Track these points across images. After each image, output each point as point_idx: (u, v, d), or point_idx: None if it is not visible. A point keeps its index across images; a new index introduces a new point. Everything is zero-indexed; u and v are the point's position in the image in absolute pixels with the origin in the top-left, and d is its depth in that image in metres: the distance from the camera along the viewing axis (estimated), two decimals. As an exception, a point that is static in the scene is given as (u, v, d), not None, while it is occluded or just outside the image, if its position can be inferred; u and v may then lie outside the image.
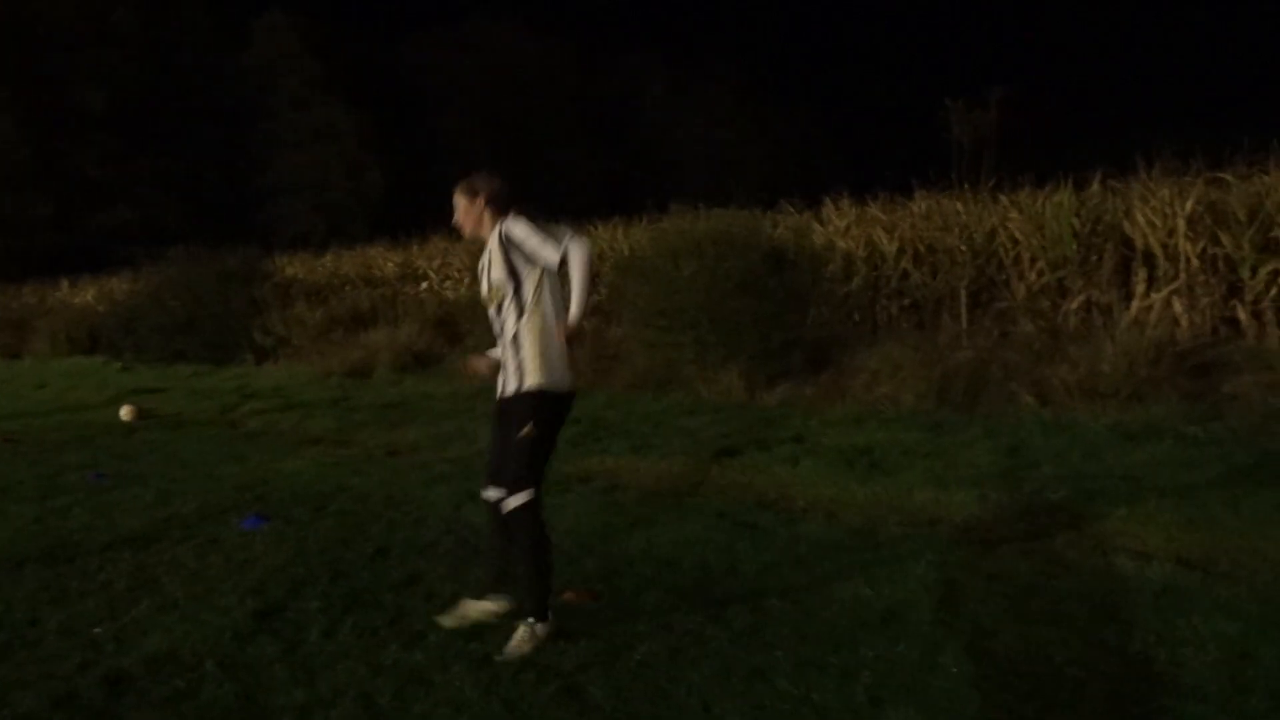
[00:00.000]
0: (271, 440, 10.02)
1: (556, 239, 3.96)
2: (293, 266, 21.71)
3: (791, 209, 13.82)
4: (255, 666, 3.96)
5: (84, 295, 28.13)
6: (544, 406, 4.09)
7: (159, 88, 45.85)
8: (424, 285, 19.41)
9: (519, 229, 4.03)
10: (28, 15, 42.60)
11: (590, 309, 4.01)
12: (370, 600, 4.70)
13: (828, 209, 13.80)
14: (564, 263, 3.97)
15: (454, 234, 18.77)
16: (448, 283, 18.76)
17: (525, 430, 4.05)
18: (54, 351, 22.33)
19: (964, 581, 4.56)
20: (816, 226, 13.19)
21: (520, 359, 4.08)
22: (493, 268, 4.13)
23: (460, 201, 4.21)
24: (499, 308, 4.15)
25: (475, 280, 18.26)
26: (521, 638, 3.95)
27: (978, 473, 6.57)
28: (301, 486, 7.49)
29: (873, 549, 5.18)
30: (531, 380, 4.06)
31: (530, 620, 3.99)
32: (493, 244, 4.12)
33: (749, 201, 12.84)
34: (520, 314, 4.07)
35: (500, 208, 4.17)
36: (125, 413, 12.05)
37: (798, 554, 5.13)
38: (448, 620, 4.25)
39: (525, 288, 4.07)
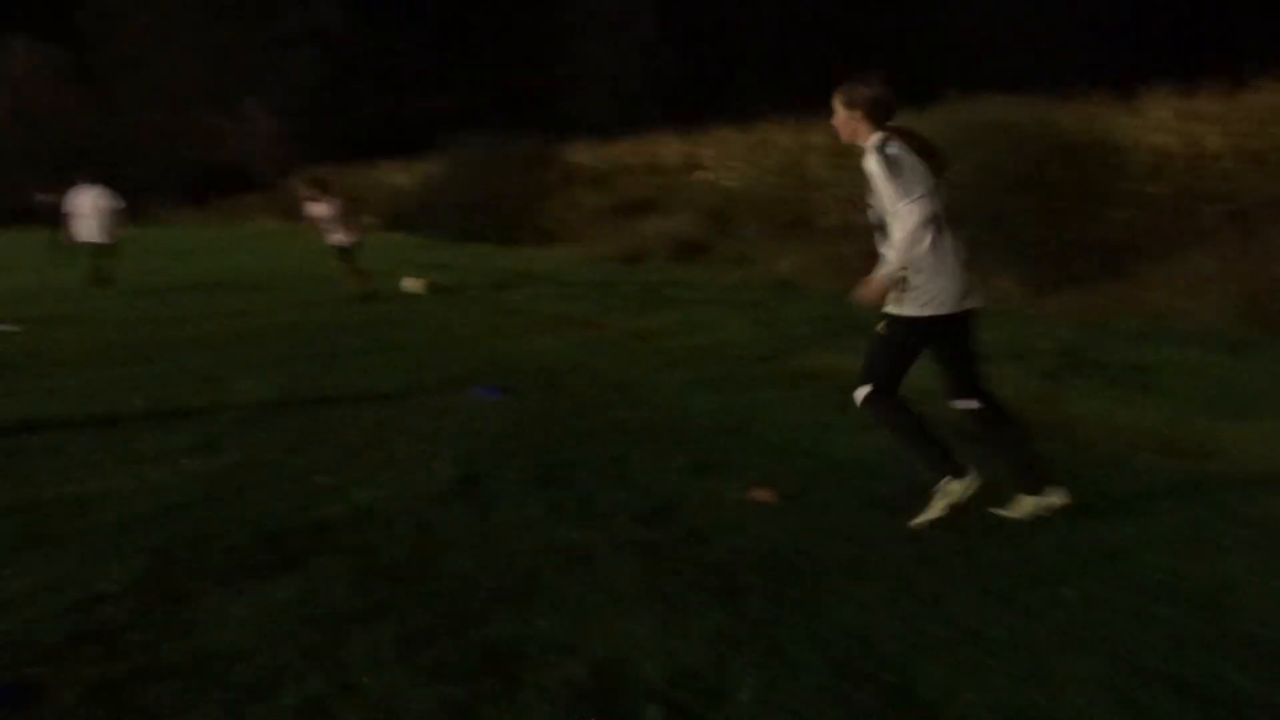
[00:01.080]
0: (530, 318, 10.36)
1: (899, 192, 3.63)
2: (580, 153, 22.26)
3: (1097, 99, 12.35)
4: (441, 529, 4.06)
5: (398, 177, 30.35)
6: (899, 327, 3.89)
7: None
8: (702, 174, 19.30)
9: (872, 163, 3.72)
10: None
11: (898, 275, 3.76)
12: (565, 477, 4.70)
13: (1146, 99, 12.26)
14: None
15: (738, 122, 18.44)
16: (724, 174, 18.53)
17: (879, 328, 3.93)
18: (370, 227, 24.33)
19: (1218, 527, 3.90)
20: (1127, 119, 11.75)
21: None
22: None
23: (836, 108, 3.94)
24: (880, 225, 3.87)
25: (753, 171, 18.19)
26: (935, 501, 3.89)
27: (1272, 404, 5.62)
28: (542, 363, 7.67)
29: (1118, 478, 4.56)
30: (892, 307, 3.87)
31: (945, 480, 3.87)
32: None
33: (1055, 88, 11.57)
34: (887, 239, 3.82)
35: (875, 120, 3.85)
36: (410, 284, 12.92)
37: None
38: (1007, 511, 3.99)
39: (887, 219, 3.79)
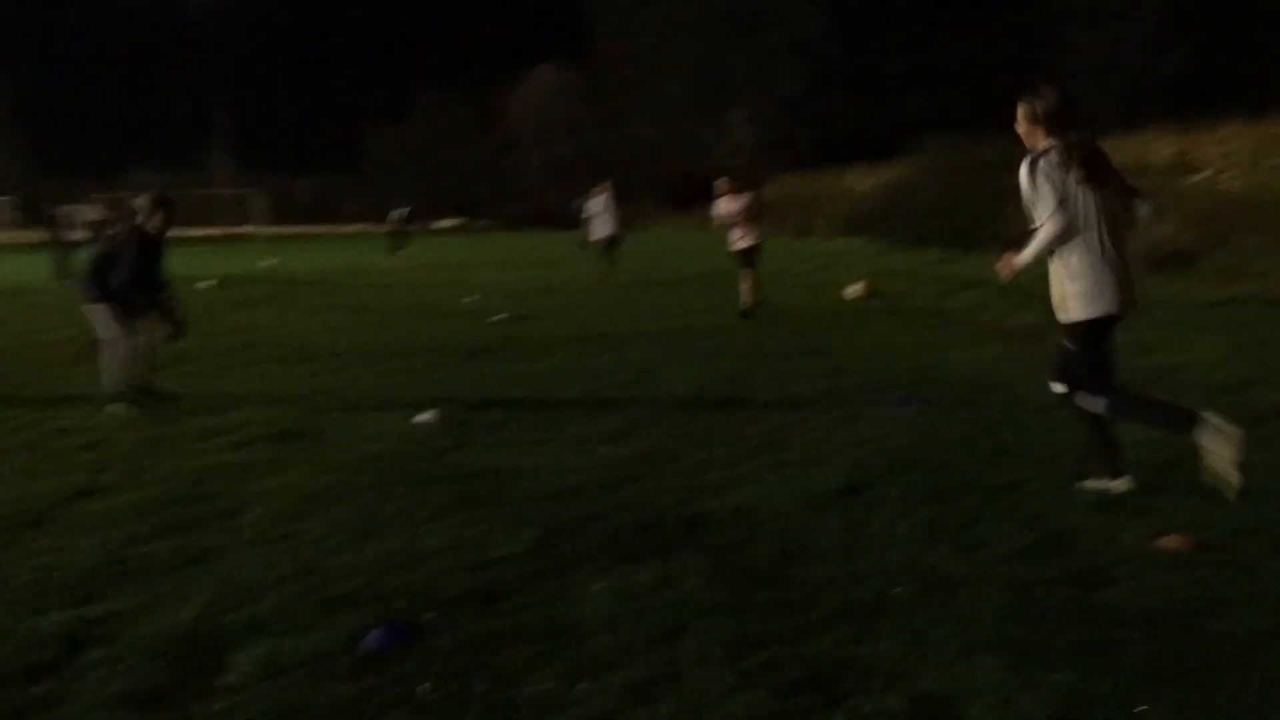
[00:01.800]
0: (966, 329, 9.89)
1: (1042, 205, 4.18)
2: (1054, 155, 20.78)
3: None
4: (807, 537, 4.03)
5: (867, 182, 30.40)
6: (1074, 334, 4.41)
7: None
8: (1199, 175, 17.16)
9: (1022, 175, 4.24)
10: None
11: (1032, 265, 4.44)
12: (951, 498, 4.44)
13: None
14: None
15: (1248, 116, 16.24)
16: (1224, 175, 16.31)
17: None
18: (829, 233, 24.70)
19: None
20: None
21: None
22: None
23: (1019, 114, 4.40)
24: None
25: (1262, 172, 15.79)
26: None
27: None
28: (965, 376, 7.31)
29: None
30: (1061, 315, 4.40)
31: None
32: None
33: None
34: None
35: (1048, 127, 4.26)
36: (856, 289, 12.91)
37: None
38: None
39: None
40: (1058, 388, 4.50)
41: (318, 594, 3.54)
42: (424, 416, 6.35)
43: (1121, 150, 19.74)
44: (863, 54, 46.47)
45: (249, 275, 21.18)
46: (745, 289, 11.45)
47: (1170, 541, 3.75)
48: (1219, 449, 4.00)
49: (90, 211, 20.71)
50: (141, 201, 7.13)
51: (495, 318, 11.72)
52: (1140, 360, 7.73)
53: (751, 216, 11.71)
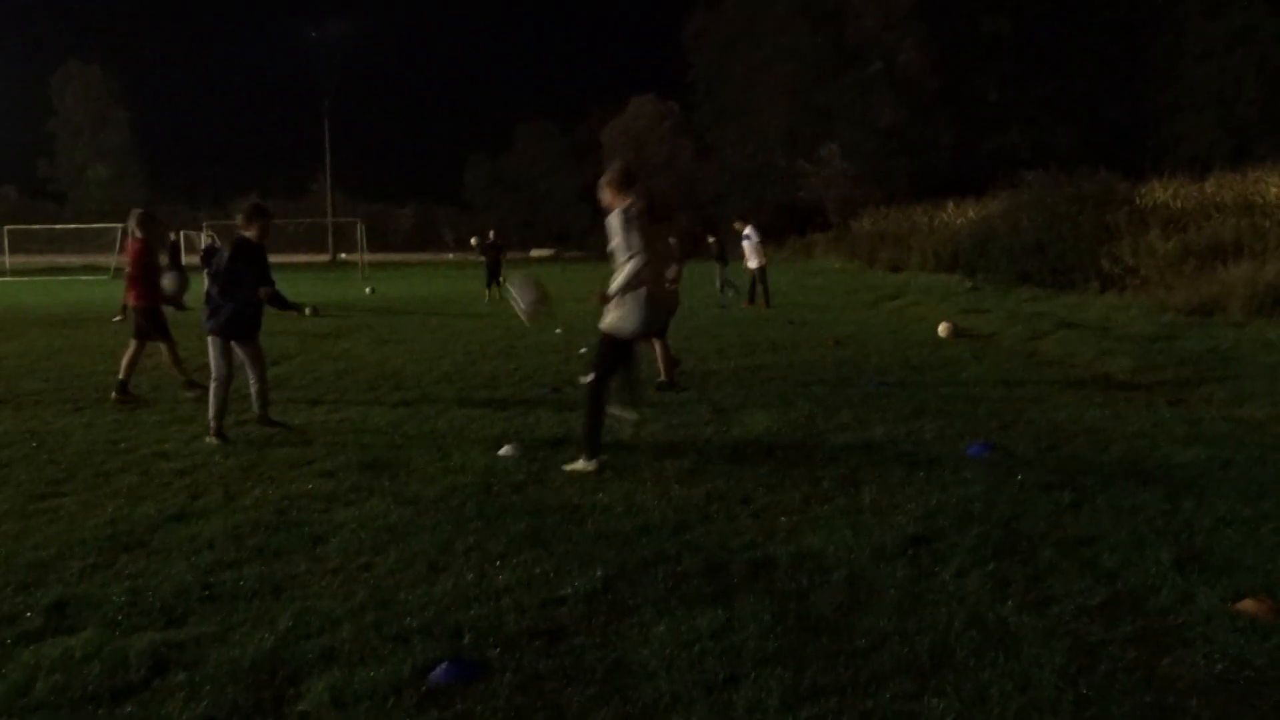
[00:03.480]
0: (1057, 372, 9.69)
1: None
2: (1158, 191, 20.21)
3: None
4: (874, 586, 4.02)
5: (963, 216, 29.95)
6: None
7: (1063, 8, 45.74)
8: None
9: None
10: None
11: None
12: (1024, 551, 4.38)
13: None
14: None
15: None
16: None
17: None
18: (922, 267, 24.37)
19: None
20: None
21: None
22: None
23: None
24: None
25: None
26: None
27: None
28: (1050, 422, 7.17)
29: None
30: None
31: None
32: None
33: None
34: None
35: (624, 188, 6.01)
36: (942, 329, 12.75)
37: None
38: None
39: None
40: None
41: (390, 626, 3.68)
42: (506, 450, 6.50)
43: (1229, 188, 19.15)
44: (962, 85, 45.88)
45: (347, 302, 21.86)
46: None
47: (1249, 605, 3.65)
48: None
49: (203, 238, 21.68)
50: (239, 216, 7.36)
51: (582, 350, 11.88)
52: (1235, 409, 7.51)
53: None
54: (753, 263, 18.33)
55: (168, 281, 9.18)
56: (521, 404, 8.52)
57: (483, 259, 23.15)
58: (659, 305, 6.08)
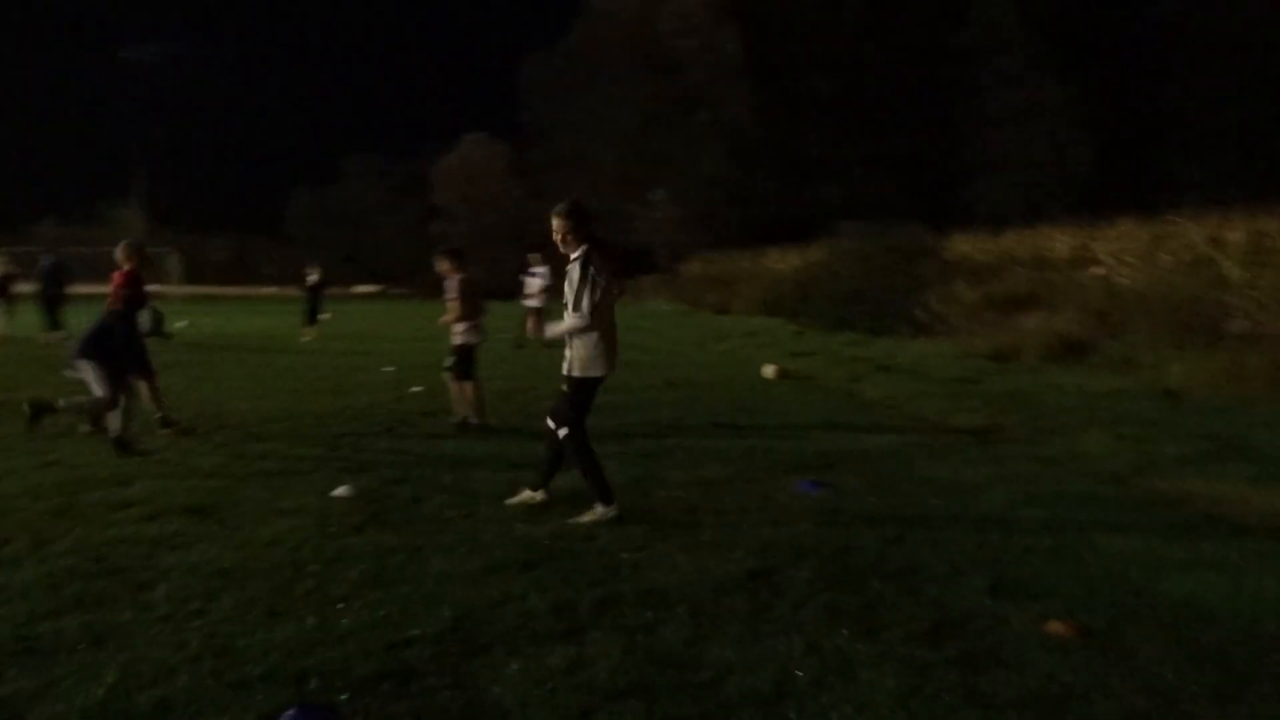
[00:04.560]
0: (877, 412, 10.23)
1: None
2: (963, 245, 21.67)
3: None
4: (716, 619, 4.16)
5: (786, 262, 31.18)
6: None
7: (880, 72, 48.57)
8: (1095, 269, 18.05)
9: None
10: (772, 13, 48.00)
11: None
12: (855, 582, 4.63)
13: None
14: None
15: (1144, 215, 17.17)
16: (1121, 270, 17.19)
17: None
18: (746, 310, 25.22)
19: None
20: None
21: None
22: None
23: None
24: None
25: (1152, 269, 16.70)
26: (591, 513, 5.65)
27: None
28: (874, 460, 7.57)
29: None
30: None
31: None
32: None
33: None
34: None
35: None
36: (770, 371, 13.24)
37: None
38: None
39: None
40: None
41: (230, 674, 3.55)
42: (340, 491, 6.36)
43: (1024, 245, 20.74)
44: (787, 139, 47.90)
45: (160, 336, 20.75)
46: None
47: (1055, 627, 3.98)
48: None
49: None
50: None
51: (415, 389, 11.71)
52: (1038, 448, 8.12)
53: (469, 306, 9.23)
54: (534, 301, 16.61)
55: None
56: (354, 443, 8.33)
57: (308, 293, 22.50)
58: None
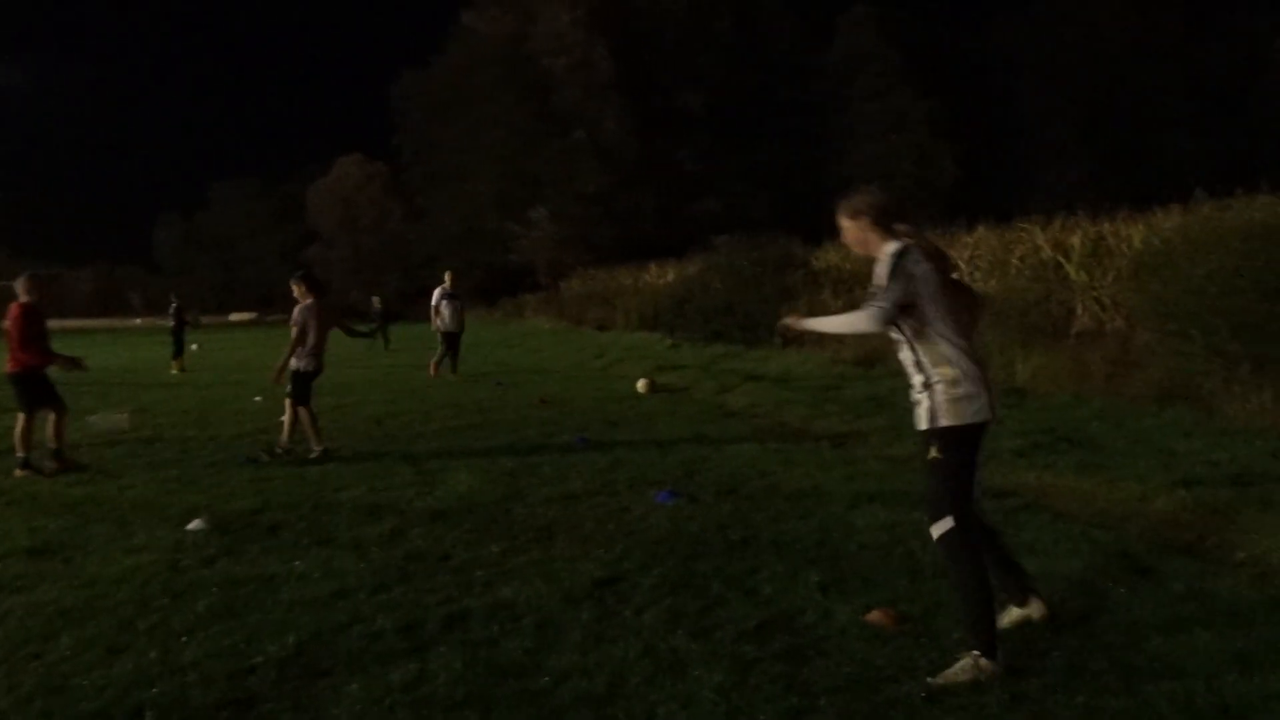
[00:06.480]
0: (742, 422, 10.55)
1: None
2: (831, 255, 22.35)
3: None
4: (561, 628, 4.30)
5: (665, 278, 31.56)
6: (945, 440, 3.86)
7: (750, 88, 49.77)
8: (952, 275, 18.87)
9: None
10: (642, 31, 48.73)
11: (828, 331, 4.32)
12: (697, 586, 4.83)
13: None
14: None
15: (1007, 223, 17.96)
16: (976, 274, 18.02)
17: (931, 454, 3.88)
18: (627, 326, 25.51)
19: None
20: None
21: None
22: None
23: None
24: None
25: (1004, 274, 17.60)
26: (962, 666, 3.64)
27: None
28: (732, 469, 7.83)
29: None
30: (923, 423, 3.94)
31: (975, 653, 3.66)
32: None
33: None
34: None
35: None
36: (641, 385, 13.48)
37: (1202, 616, 4.18)
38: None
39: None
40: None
41: (63, 712, 3.53)
42: (195, 524, 6.28)
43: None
44: (662, 155, 48.58)
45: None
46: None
47: (875, 616, 4.24)
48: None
49: None
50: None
51: (283, 418, 11.52)
52: (890, 448, 8.49)
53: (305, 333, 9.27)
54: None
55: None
56: (214, 475, 8.21)
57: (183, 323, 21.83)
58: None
